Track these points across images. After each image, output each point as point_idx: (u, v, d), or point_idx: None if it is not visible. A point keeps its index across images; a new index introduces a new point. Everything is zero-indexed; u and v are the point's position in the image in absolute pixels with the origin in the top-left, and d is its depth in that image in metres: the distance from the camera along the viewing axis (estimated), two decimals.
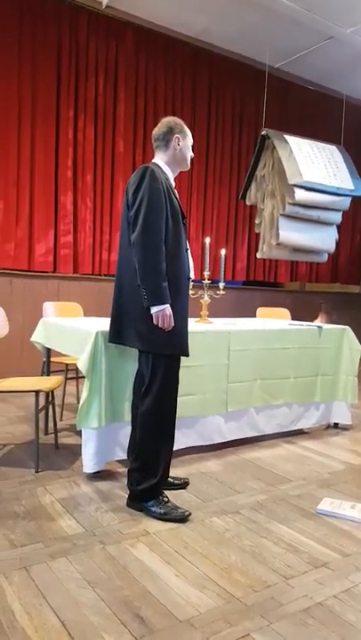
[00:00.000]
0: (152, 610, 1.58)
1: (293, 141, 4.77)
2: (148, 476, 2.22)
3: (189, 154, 2.36)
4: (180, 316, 2.22)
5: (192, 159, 2.42)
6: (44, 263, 4.88)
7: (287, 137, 4.79)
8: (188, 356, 2.30)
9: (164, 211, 2.14)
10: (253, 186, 5.04)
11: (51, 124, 4.83)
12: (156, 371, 2.20)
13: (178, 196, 2.31)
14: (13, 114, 4.63)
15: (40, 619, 1.51)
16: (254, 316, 4.74)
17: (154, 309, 2.11)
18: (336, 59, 5.73)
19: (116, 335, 2.34)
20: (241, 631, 1.50)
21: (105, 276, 5.26)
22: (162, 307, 2.11)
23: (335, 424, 3.73)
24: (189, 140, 2.35)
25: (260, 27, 5.12)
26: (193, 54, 5.66)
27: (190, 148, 2.37)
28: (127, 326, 2.27)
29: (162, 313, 2.11)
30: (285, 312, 4.78)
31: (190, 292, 2.58)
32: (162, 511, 2.18)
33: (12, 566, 1.76)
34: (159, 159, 2.33)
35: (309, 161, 4.73)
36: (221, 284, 3.38)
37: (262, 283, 6.62)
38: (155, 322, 2.13)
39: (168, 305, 2.12)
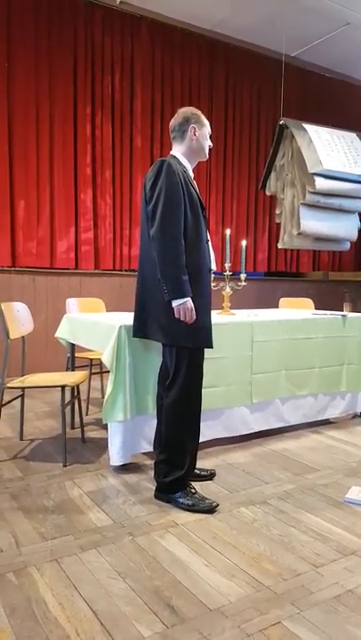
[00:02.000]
0: (183, 599, 1.59)
1: (312, 130, 4.70)
2: (175, 467, 2.24)
3: (207, 143, 2.34)
4: (203, 309, 2.22)
5: (210, 150, 2.40)
6: (65, 260, 4.93)
7: (306, 125, 4.71)
8: (212, 347, 2.30)
9: (182, 204, 2.13)
10: (273, 175, 4.98)
11: (69, 122, 4.86)
12: (180, 363, 2.21)
13: (197, 188, 2.30)
14: (31, 113, 4.68)
15: (72, 609, 1.53)
16: (277, 307, 4.71)
17: (175, 303, 2.11)
18: (353, 45, 5.61)
19: (140, 329, 2.35)
20: (272, 619, 1.50)
21: (126, 271, 5.28)
22: (183, 300, 2.10)
23: None
24: (207, 129, 2.33)
25: (276, 16, 5.05)
26: (209, 47, 5.61)
27: (208, 137, 2.34)
28: (150, 320, 2.28)
29: (183, 306, 2.11)
30: (309, 302, 4.73)
31: (212, 284, 2.57)
32: (190, 502, 2.19)
33: (43, 558, 1.80)
34: (176, 151, 2.32)
35: (329, 149, 4.64)
36: (243, 276, 3.36)
37: (284, 273, 6.55)
38: (176, 315, 2.13)
39: (189, 298, 2.11)
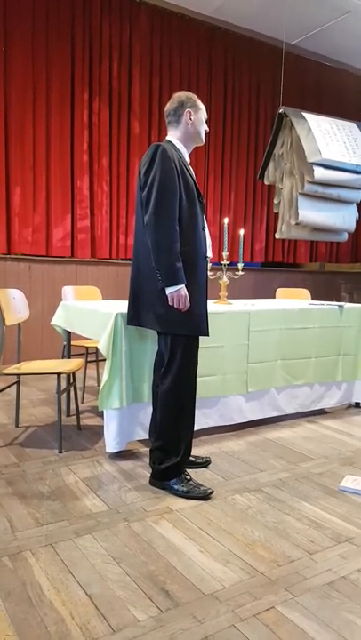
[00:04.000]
0: (177, 584, 1.60)
1: (312, 119, 4.65)
2: (170, 454, 2.24)
3: (203, 128, 2.31)
4: (198, 296, 2.21)
5: (208, 136, 2.38)
6: (61, 248, 4.90)
7: (305, 114, 4.67)
8: (208, 335, 2.29)
9: (177, 190, 2.11)
10: (271, 165, 4.94)
11: (66, 108, 4.80)
12: (175, 351, 2.20)
13: (193, 174, 2.27)
14: (28, 98, 4.62)
15: (67, 593, 1.54)
16: (274, 298, 4.70)
17: (169, 290, 2.10)
18: (354, 33, 5.55)
19: (135, 317, 2.34)
20: (266, 604, 1.51)
21: (122, 260, 5.26)
22: (177, 287, 2.09)
23: (357, 403, 3.70)
24: (202, 113, 2.30)
25: (276, 3, 4.98)
26: (208, 33, 5.55)
27: (204, 122, 2.31)
28: (145, 308, 2.26)
29: (177, 294, 2.10)
30: (305, 292, 4.73)
31: (209, 272, 2.55)
32: (185, 489, 2.20)
33: (38, 543, 1.80)
34: (172, 136, 2.29)
35: (328, 138, 4.61)
36: (240, 265, 3.34)
37: (281, 264, 6.54)
38: (170, 303, 2.11)
39: (183, 285, 2.10)
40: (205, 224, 2.31)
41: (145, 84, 5.22)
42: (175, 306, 2.12)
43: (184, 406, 2.26)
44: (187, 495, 2.18)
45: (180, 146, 2.27)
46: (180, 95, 2.29)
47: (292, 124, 4.63)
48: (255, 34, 5.73)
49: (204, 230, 2.27)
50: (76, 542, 1.81)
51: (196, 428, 2.69)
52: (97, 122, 4.99)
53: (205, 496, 2.18)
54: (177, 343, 2.20)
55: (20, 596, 1.52)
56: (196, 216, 2.21)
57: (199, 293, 2.22)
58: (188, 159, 2.30)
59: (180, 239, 2.11)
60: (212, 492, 2.21)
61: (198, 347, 2.29)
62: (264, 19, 5.36)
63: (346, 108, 6.11)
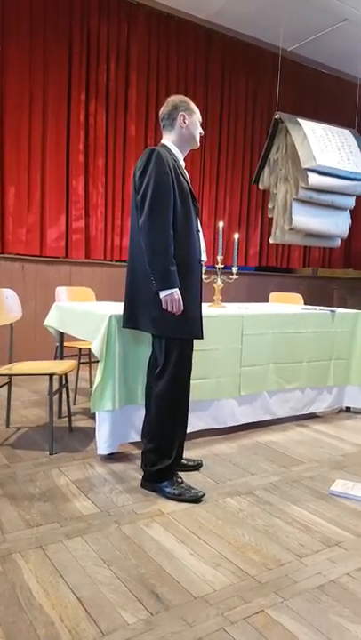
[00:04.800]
0: (167, 587, 1.59)
1: (307, 125, 4.69)
2: (163, 457, 2.24)
3: (198, 131, 2.32)
4: (193, 300, 2.21)
5: (204, 140, 2.39)
6: (55, 249, 4.88)
7: (301, 120, 4.71)
8: (201, 338, 2.30)
9: (171, 194, 2.12)
10: (267, 170, 4.97)
11: (62, 108, 4.80)
12: (170, 354, 2.21)
13: (188, 177, 2.28)
14: (25, 99, 4.61)
15: (57, 595, 1.53)
16: (267, 302, 4.72)
17: (163, 294, 2.10)
18: (351, 41, 5.60)
19: (130, 320, 2.34)
20: (255, 607, 1.51)
21: (117, 261, 5.25)
22: (170, 291, 2.09)
23: (348, 408, 3.72)
24: (197, 117, 2.31)
25: (274, 9, 5.01)
26: (206, 37, 5.57)
27: (198, 125, 2.32)
28: (140, 311, 2.27)
29: (170, 297, 2.10)
30: (298, 297, 4.75)
31: (203, 276, 2.56)
32: (176, 492, 2.20)
33: (27, 545, 1.79)
34: (167, 139, 2.31)
35: (323, 145, 4.65)
36: (234, 269, 3.36)
37: (275, 268, 6.57)
38: (164, 306, 2.12)
39: (177, 289, 2.10)
40: (200, 228, 2.32)
41: (142, 87, 5.23)
42: (169, 309, 2.12)
43: (178, 409, 2.27)
44: (178, 498, 2.18)
45: (174, 149, 2.28)
46: (174, 99, 2.31)
47: (288, 130, 4.66)
48: (253, 39, 5.77)
49: (198, 234, 2.28)
50: (67, 545, 1.81)
51: (188, 430, 2.68)
52: (93, 123, 4.99)
53: (197, 499, 2.18)
54: (172, 346, 2.20)
55: (10, 599, 1.51)
56: (191, 220, 2.22)
57: (194, 297, 2.23)
58: (183, 163, 2.31)
59: (175, 243, 2.12)
60: (204, 494, 2.21)
61: (193, 350, 2.30)
62: (262, 24, 5.39)
63: (342, 114, 6.15)
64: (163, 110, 2.30)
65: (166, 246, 2.08)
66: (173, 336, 2.20)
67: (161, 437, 2.26)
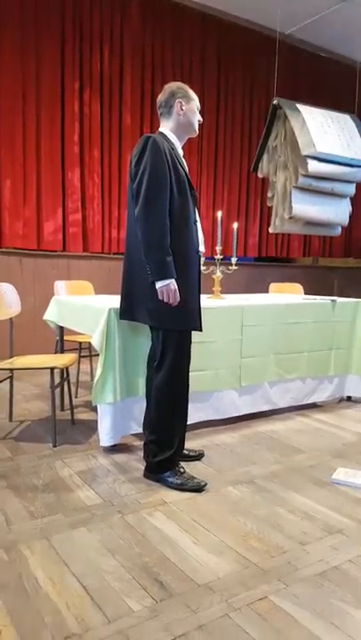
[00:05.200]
0: (171, 575, 1.62)
1: (306, 110, 4.64)
2: (164, 447, 2.25)
3: (196, 118, 2.29)
4: (190, 291, 2.20)
5: (202, 128, 2.36)
6: (53, 242, 4.87)
7: (299, 106, 4.66)
8: (200, 330, 2.30)
9: (168, 182, 2.09)
10: (265, 157, 4.93)
11: (56, 98, 4.74)
12: (167, 346, 2.21)
13: (185, 166, 2.26)
14: (17, 88, 4.55)
15: (63, 584, 1.55)
16: (267, 293, 4.72)
17: (158, 284, 2.09)
18: (350, 23, 5.51)
19: (127, 312, 2.34)
20: (259, 594, 1.53)
21: (115, 254, 5.24)
22: (166, 281, 2.08)
23: (348, 397, 3.74)
24: (194, 103, 2.27)
25: None
26: (200, 22, 5.49)
27: (197, 112, 2.29)
28: (137, 302, 2.26)
29: (166, 288, 2.09)
30: (298, 287, 4.75)
31: (202, 267, 2.55)
32: (178, 481, 2.21)
33: (33, 536, 1.81)
34: (164, 127, 2.28)
35: (322, 131, 4.60)
36: (234, 260, 3.35)
37: (274, 258, 6.55)
38: (160, 297, 2.11)
39: (173, 280, 2.09)
40: (198, 218, 2.30)
41: (136, 74, 5.17)
42: (165, 300, 2.12)
43: (177, 400, 2.28)
44: (180, 487, 2.20)
45: (172, 137, 2.26)
46: (171, 85, 2.27)
47: (286, 116, 4.61)
48: (249, 23, 5.68)
49: (196, 224, 2.26)
50: (71, 535, 1.83)
51: (190, 421, 2.70)
52: (88, 113, 4.94)
53: (199, 488, 2.20)
54: (169, 338, 2.21)
55: (16, 588, 1.53)
56: (188, 209, 2.20)
57: (191, 288, 2.22)
58: (181, 151, 2.29)
59: (172, 233, 2.10)
60: (206, 484, 2.23)
61: (191, 341, 2.30)
62: (258, 7, 5.28)
63: (340, 99, 6.09)
64: (160, 97, 2.28)
65: (162, 236, 2.06)
66: (170, 328, 2.19)
67: (161, 429, 2.27)
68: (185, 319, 2.21)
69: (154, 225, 2.06)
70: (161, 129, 2.29)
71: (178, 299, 2.13)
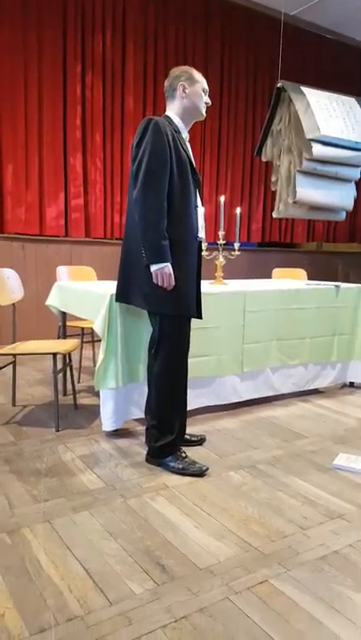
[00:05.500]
0: (173, 559, 1.63)
1: (311, 93, 4.56)
2: (165, 432, 2.26)
3: (202, 101, 2.24)
4: (186, 276, 2.18)
5: (208, 108, 2.32)
6: (55, 227, 4.84)
7: (304, 89, 4.57)
8: (194, 316, 2.27)
9: (168, 165, 2.06)
10: (269, 141, 4.86)
11: (58, 82, 4.68)
12: (164, 331, 2.20)
13: (189, 150, 2.23)
14: (19, 73, 4.50)
15: (65, 567, 1.57)
16: (270, 278, 4.69)
17: (153, 267, 2.08)
18: (354, 5, 5.39)
19: (123, 295, 2.33)
20: (259, 577, 1.54)
21: (117, 239, 5.20)
22: (160, 265, 2.06)
23: (351, 383, 3.73)
24: (199, 86, 2.23)
25: None
26: (203, 4, 5.38)
27: (202, 94, 2.24)
28: (133, 286, 2.25)
29: (160, 271, 2.07)
30: (302, 272, 4.72)
31: (205, 253, 2.52)
32: (180, 466, 2.23)
33: (35, 520, 1.83)
34: (170, 111, 2.25)
35: (327, 114, 4.52)
36: (236, 245, 3.32)
37: (278, 243, 6.50)
38: (154, 280, 2.09)
39: (168, 264, 2.07)
40: (199, 203, 2.27)
41: (139, 58, 5.09)
42: (159, 284, 2.10)
43: (176, 387, 2.27)
44: (182, 472, 2.21)
45: (177, 120, 2.23)
46: (175, 70, 2.25)
47: (291, 99, 4.54)
48: (253, 3, 5.56)
49: (196, 209, 2.23)
50: (74, 518, 1.84)
51: (191, 407, 2.71)
52: (90, 97, 4.87)
53: (200, 473, 2.21)
54: (166, 323, 2.20)
55: (19, 571, 1.55)
56: (189, 194, 2.16)
57: (188, 273, 2.19)
58: (186, 135, 2.26)
59: (170, 216, 2.08)
60: (208, 468, 2.24)
61: (190, 327, 2.29)
62: None
63: (346, 81, 5.98)
64: (166, 82, 2.26)
65: (159, 219, 2.04)
66: (163, 312, 2.18)
67: (162, 414, 2.27)
68: (179, 304, 2.18)
69: (151, 207, 2.04)
70: (167, 112, 2.26)
71: (173, 283, 2.11)
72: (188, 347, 2.30)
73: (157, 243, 2.05)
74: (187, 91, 2.20)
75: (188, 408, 2.74)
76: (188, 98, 2.21)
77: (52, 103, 4.68)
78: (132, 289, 2.27)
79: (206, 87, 2.27)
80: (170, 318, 2.19)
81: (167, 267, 2.08)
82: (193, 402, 2.88)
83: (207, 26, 5.47)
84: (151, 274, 2.10)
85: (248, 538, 1.76)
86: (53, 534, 1.74)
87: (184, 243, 2.16)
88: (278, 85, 4.63)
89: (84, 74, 4.83)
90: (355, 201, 4.96)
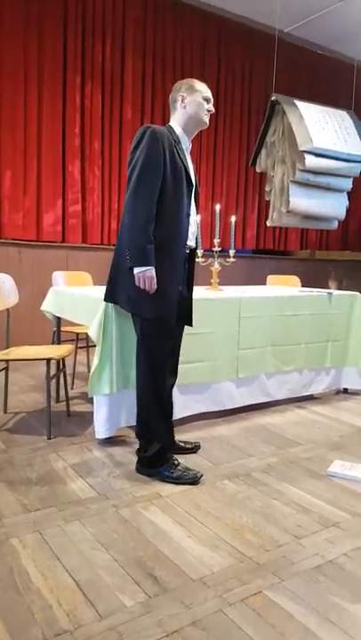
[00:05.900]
0: (165, 569, 1.60)
1: (304, 107, 4.62)
2: (153, 440, 2.24)
3: (203, 109, 2.25)
4: (170, 282, 2.17)
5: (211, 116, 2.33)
6: (52, 233, 4.84)
7: (297, 102, 4.63)
8: (169, 321, 2.21)
9: (160, 172, 2.09)
10: (264, 152, 4.90)
11: (57, 91, 4.72)
12: (144, 334, 2.20)
13: (188, 160, 2.25)
14: (19, 81, 4.53)
15: (55, 579, 1.53)
16: (265, 284, 4.69)
17: (136, 270, 2.08)
18: (347, 22, 5.52)
19: (111, 294, 2.33)
20: (253, 588, 1.51)
21: (114, 246, 5.18)
22: (143, 268, 2.07)
23: (345, 389, 3.73)
24: (199, 94, 2.24)
25: None
26: (201, 18, 5.46)
27: (202, 103, 2.25)
28: (120, 288, 2.26)
29: (143, 275, 2.08)
30: (296, 280, 4.72)
31: (200, 259, 2.51)
32: (173, 474, 2.19)
33: (25, 530, 1.79)
34: (173, 121, 2.30)
35: (320, 126, 4.58)
36: (232, 252, 3.33)
37: (272, 251, 6.53)
38: (136, 283, 2.10)
39: (151, 267, 2.07)
40: (191, 212, 2.26)
41: (138, 69, 5.15)
42: (141, 287, 2.10)
43: (157, 392, 2.24)
44: (176, 480, 2.18)
45: (178, 131, 2.26)
46: (177, 83, 2.31)
47: (285, 112, 4.59)
48: (249, 20, 5.68)
49: (188, 218, 2.23)
50: (64, 528, 1.81)
51: (187, 413, 2.68)
52: (89, 106, 4.91)
53: (194, 481, 2.18)
54: (145, 326, 2.19)
55: (7, 583, 1.51)
56: (181, 202, 2.17)
57: (172, 279, 2.19)
58: (188, 145, 2.29)
59: (159, 222, 2.09)
60: (202, 475, 2.21)
61: (174, 331, 2.27)
62: (258, 5, 5.30)
63: (338, 96, 6.05)
64: (170, 95, 2.32)
65: (145, 223, 2.05)
66: (143, 315, 2.18)
67: (146, 420, 2.25)
68: (156, 307, 2.16)
69: (139, 211, 2.06)
70: (170, 123, 2.30)
71: (155, 287, 2.11)
72: (175, 352, 2.30)
73: (142, 246, 2.06)
74: (186, 100, 2.23)
75: (185, 414, 2.71)
76: (187, 107, 2.24)
77: (51, 111, 4.71)
78: (118, 289, 2.28)
79: (208, 96, 2.28)
80: (149, 322, 2.19)
81: (150, 270, 2.08)
82: (189, 408, 2.86)
83: (204, 39, 5.55)
84: (134, 276, 2.09)
85: (242, 547, 1.73)
86: (43, 545, 1.71)
87: (168, 246, 2.16)
88: (273, 98, 4.67)
89: (84, 84, 4.87)
90: (347, 210, 5.00)
